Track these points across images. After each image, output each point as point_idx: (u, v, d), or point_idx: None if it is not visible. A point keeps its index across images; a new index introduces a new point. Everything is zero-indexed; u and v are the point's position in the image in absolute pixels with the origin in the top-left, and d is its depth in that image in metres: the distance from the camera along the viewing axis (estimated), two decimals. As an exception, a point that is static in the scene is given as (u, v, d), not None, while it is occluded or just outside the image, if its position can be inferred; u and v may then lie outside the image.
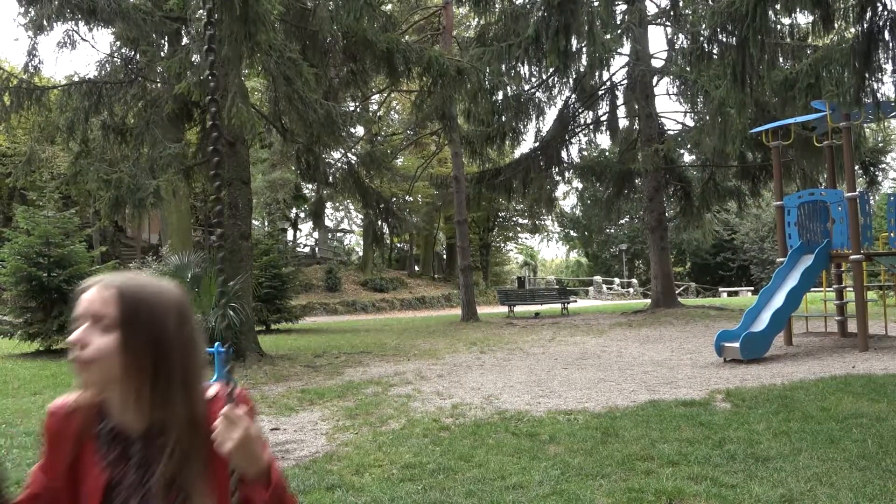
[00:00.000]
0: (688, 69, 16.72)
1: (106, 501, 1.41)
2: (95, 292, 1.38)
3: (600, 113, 23.01)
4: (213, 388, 1.46)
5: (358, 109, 17.92)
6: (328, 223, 41.85)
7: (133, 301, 1.37)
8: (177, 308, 1.42)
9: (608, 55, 17.97)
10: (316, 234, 42.37)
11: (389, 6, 20.66)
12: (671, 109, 60.73)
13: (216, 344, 2.55)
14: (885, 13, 8.30)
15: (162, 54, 11.91)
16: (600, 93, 22.52)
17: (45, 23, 11.15)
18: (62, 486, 1.46)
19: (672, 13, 19.65)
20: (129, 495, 1.40)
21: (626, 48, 20.66)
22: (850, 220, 10.09)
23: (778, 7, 9.32)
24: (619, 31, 18.52)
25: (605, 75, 21.84)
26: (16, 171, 13.62)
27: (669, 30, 20.68)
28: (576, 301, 26.74)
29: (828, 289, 13.32)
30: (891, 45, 8.41)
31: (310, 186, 31.23)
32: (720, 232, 43.65)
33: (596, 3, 15.63)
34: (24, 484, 1.51)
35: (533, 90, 21.41)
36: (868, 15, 8.35)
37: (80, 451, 1.44)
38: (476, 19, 25.22)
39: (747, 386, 7.22)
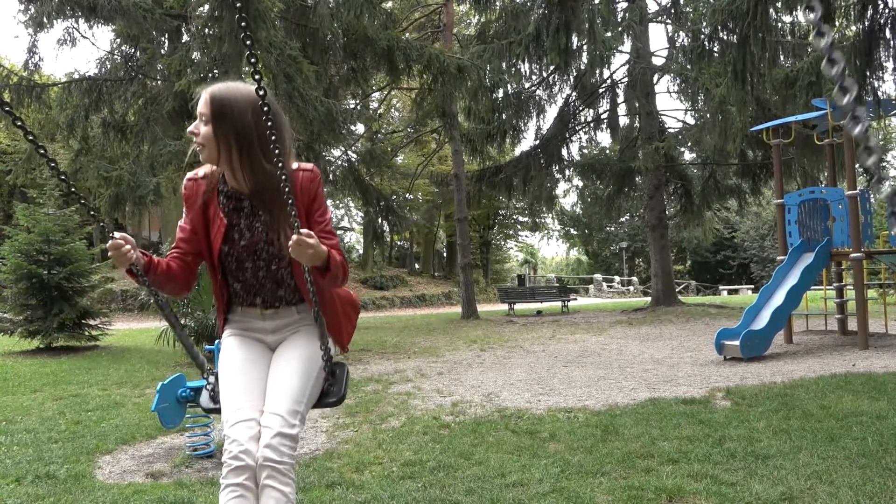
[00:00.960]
0: (688, 67, 16.73)
1: (228, 236, 2.11)
2: (203, 96, 2.03)
3: (601, 111, 23.00)
4: (295, 164, 2.15)
5: (358, 107, 17.89)
6: (328, 221, 41.75)
7: (218, 101, 2.00)
8: (252, 104, 1.99)
9: (609, 53, 17.95)
10: (316, 232, 42.34)
11: (390, 3, 20.63)
12: (672, 107, 60.82)
13: (216, 342, 2.62)
14: (887, 11, 8.30)
15: (162, 52, 11.90)
16: (601, 91, 22.50)
17: (45, 20, 11.16)
18: (199, 228, 2.15)
19: (673, 11, 19.64)
20: (241, 233, 2.11)
21: (627, 46, 20.65)
22: (851, 219, 10.08)
23: (779, 5, 9.32)
24: (619, 29, 18.51)
25: (606, 73, 21.85)
26: (16, 169, 13.65)
27: (670, 27, 20.67)
28: (576, 299, 26.76)
29: (828, 287, 13.32)
30: (892, 42, 8.41)
31: (310, 184, 31.12)
32: (720, 230, 43.66)
33: (596, 1, 15.63)
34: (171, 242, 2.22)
35: (533, 88, 21.40)
36: (869, 13, 8.36)
37: (209, 204, 2.13)
38: (477, 17, 25.20)
39: (747, 384, 7.23)
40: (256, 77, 1.75)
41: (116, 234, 1.96)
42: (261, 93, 1.78)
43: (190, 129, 2.02)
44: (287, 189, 1.79)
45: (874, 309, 13.52)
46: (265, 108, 1.83)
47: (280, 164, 1.81)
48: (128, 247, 1.97)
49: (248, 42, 1.74)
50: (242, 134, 1.98)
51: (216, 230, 2.11)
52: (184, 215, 2.18)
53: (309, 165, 2.12)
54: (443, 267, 42.90)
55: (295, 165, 2.11)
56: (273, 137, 1.79)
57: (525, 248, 59.71)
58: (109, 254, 1.98)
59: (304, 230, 1.80)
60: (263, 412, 2.07)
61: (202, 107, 2.00)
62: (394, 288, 33.10)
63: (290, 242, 1.80)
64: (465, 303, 20.61)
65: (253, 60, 1.75)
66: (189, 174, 2.17)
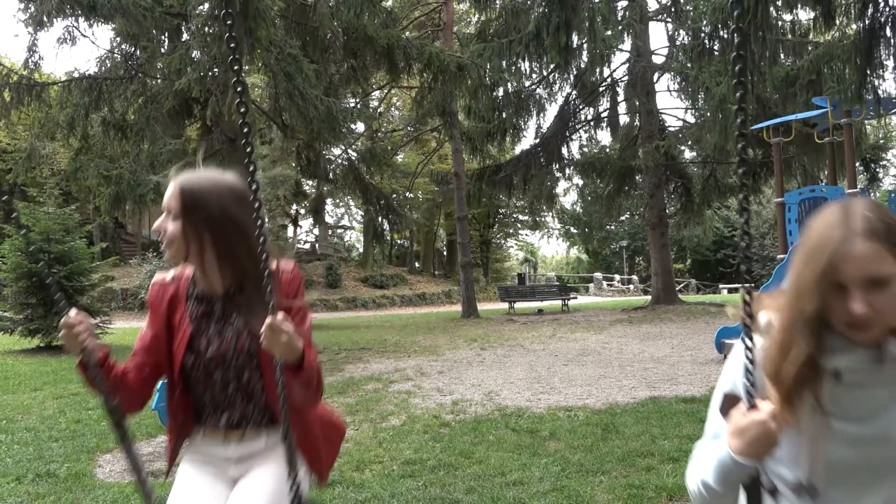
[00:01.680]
0: (689, 65, 16.70)
1: (193, 345, 1.84)
2: (171, 188, 1.79)
3: (601, 109, 22.98)
4: (275, 262, 1.80)
5: (358, 106, 17.91)
6: (328, 219, 41.82)
7: (189, 193, 1.76)
8: (229, 194, 1.79)
9: (609, 51, 17.94)
10: (316, 231, 42.34)
11: (390, 2, 20.64)
12: (672, 106, 60.80)
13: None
14: (887, 10, 8.29)
15: (162, 50, 11.89)
16: (601, 89, 22.48)
17: (45, 19, 11.16)
18: (161, 336, 1.88)
19: (673, 9, 19.61)
20: (210, 340, 1.84)
21: (627, 44, 20.62)
22: (851, 217, 10.07)
23: (779, 3, 9.32)
24: (619, 28, 18.48)
25: (606, 72, 21.84)
26: (16, 168, 13.64)
27: (670, 26, 20.64)
28: (576, 298, 26.75)
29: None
30: (892, 41, 8.41)
31: (310, 183, 31.17)
32: (721, 229, 43.66)
33: (597, 0, 15.60)
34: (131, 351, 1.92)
35: (533, 86, 21.39)
36: (869, 11, 8.35)
37: (174, 310, 1.87)
38: (477, 15, 25.18)
39: (747, 382, 7.22)
40: (242, 116, 1.52)
41: (73, 312, 1.72)
42: (250, 179, 1.58)
43: (155, 225, 1.79)
44: (269, 289, 1.55)
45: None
46: (245, 198, 1.69)
47: (264, 263, 1.58)
48: (83, 327, 1.73)
49: (235, 67, 1.55)
50: (219, 229, 1.75)
51: (180, 339, 1.84)
52: (146, 323, 1.92)
53: (289, 265, 1.86)
54: (443, 265, 42.90)
55: (273, 264, 1.81)
56: (257, 233, 1.57)
57: (525, 247, 59.70)
58: (60, 334, 1.74)
59: (279, 315, 1.54)
60: None
61: (169, 200, 1.76)
62: (394, 286, 33.09)
63: (263, 328, 1.53)
64: (466, 301, 20.61)
65: (239, 101, 1.53)
66: (156, 277, 1.94)
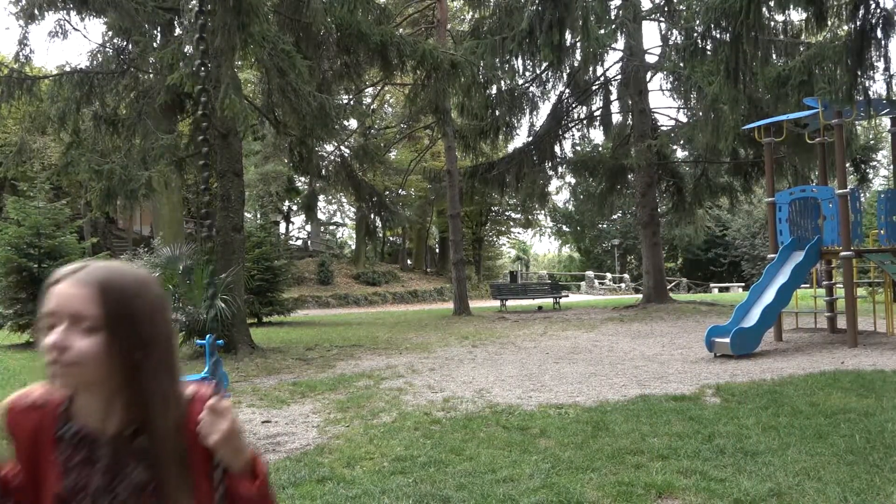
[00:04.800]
0: (681, 65, 16.76)
1: None
2: (72, 288, 1.27)
3: (594, 108, 23.02)
4: (191, 388, 1.36)
5: (351, 102, 17.87)
6: (321, 216, 41.74)
7: (117, 300, 1.28)
8: (160, 303, 1.35)
9: (602, 50, 17.99)
10: (308, 227, 42.31)
11: (384, -1, 20.55)
12: (664, 105, 61.02)
13: (207, 336, 2.53)
14: (878, 11, 8.33)
15: (154, 45, 11.83)
16: (594, 88, 22.52)
17: (36, 11, 11.08)
18: (27, 484, 1.36)
19: (666, 9, 19.65)
20: (94, 501, 1.31)
21: (620, 43, 20.67)
22: (841, 217, 10.14)
23: (772, 4, 9.34)
24: (613, 27, 18.50)
25: (599, 70, 21.89)
26: (6, 162, 13.54)
27: (663, 25, 20.68)
28: (568, 296, 26.80)
29: (818, 286, 13.40)
30: (883, 42, 8.45)
31: (302, 179, 31.11)
32: (712, 228, 43.82)
33: (590, -2, 15.62)
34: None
35: (527, 84, 21.40)
36: (861, 13, 8.39)
37: (39, 454, 1.34)
38: (470, 13, 25.19)
39: (737, 381, 7.27)
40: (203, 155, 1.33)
41: None
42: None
43: (51, 340, 1.23)
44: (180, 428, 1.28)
45: (863, 307, 13.60)
46: (168, 305, 1.37)
47: (179, 392, 1.31)
48: None
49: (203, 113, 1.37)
50: (155, 347, 1.30)
51: (48, 492, 1.32)
52: (13, 454, 1.38)
53: (207, 391, 1.34)
54: (435, 263, 42.91)
55: (190, 391, 1.37)
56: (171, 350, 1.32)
57: (517, 245, 59.80)
58: None
59: (222, 402, 1.27)
60: None
61: (82, 303, 1.24)
62: (386, 284, 33.08)
63: (201, 415, 1.26)
64: (458, 299, 20.63)
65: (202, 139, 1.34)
66: (15, 395, 1.41)
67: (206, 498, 1.30)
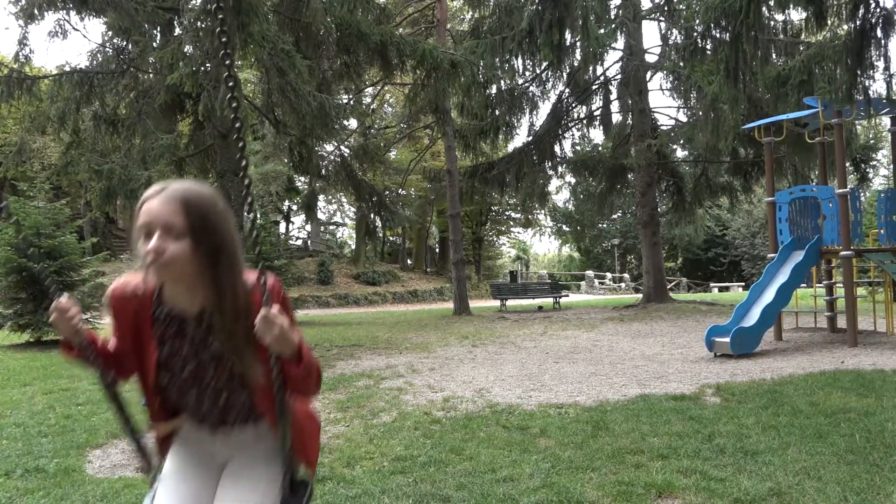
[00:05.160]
0: (681, 65, 16.75)
1: (165, 369, 1.76)
2: (162, 204, 1.61)
3: (594, 108, 23.01)
4: (251, 278, 1.69)
5: (351, 102, 17.87)
6: (321, 216, 41.75)
7: (196, 211, 1.62)
8: (225, 211, 1.69)
9: (602, 50, 17.97)
10: (308, 227, 42.31)
11: (383, -2, 20.54)
12: (664, 105, 61.09)
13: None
14: (878, 10, 8.33)
15: (154, 45, 11.83)
16: (594, 87, 22.51)
17: (35, 11, 11.09)
18: (130, 351, 1.78)
19: (666, 8, 19.64)
20: (185, 363, 1.75)
21: (620, 43, 20.66)
22: (841, 217, 10.13)
23: (771, 3, 9.35)
24: (612, 26, 18.50)
25: (599, 70, 21.88)
26: (6, 162, 13.56)
27: (663, 25, 20.67)
28: (567, 295, 26.80)
29: (818, 285, 13.40)
30: (883, 42, 8.45)
31: (302, 179, 31.12)
32: (712, 227, 43.85)
33: (590, -2, 15.62)
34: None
35: (526, 84, 21.39)
36: (861, 12, 8.39)
37: (140, 329, 1.75)
38: (470, 12, 25.18)
39: (737, 381, 7.26)
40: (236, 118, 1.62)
41: (63, 297, 1.70)
42: (243, 175, 1.64)
43: (151, 246, 1.57)
44: (247, 308, 1.62)
45: (863, 307, 13.61)
46: (232, 215, 1.70)
47: (263, 280, 1.61)
48: (73, 311, 1.71)
49: (227, 62, 1.60)
50: (226, 251, 1.65)
51: (150, 357, 1.76)
52: (112, 329, 1.82)
53: (271, 279, 1.66)
54: (435, 263, 42.91)
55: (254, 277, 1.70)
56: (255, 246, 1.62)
57: (517, 245, 59.81)
58: (52, 318, 1.71)
59: (273, 308, 1.56)
60: None
61: (171, 216, 1.58)
62: (386, 283, 33.08)
63: (258, 319, 1.53)
64: (457, 298, 20.63)
65: (231, 96, 1.65)
66: (116, 283, 1.78)
67: (268, 365, 1.66)
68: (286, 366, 1.64)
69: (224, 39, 1.63)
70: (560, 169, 23.73)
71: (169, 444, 1.96)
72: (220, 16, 1.65)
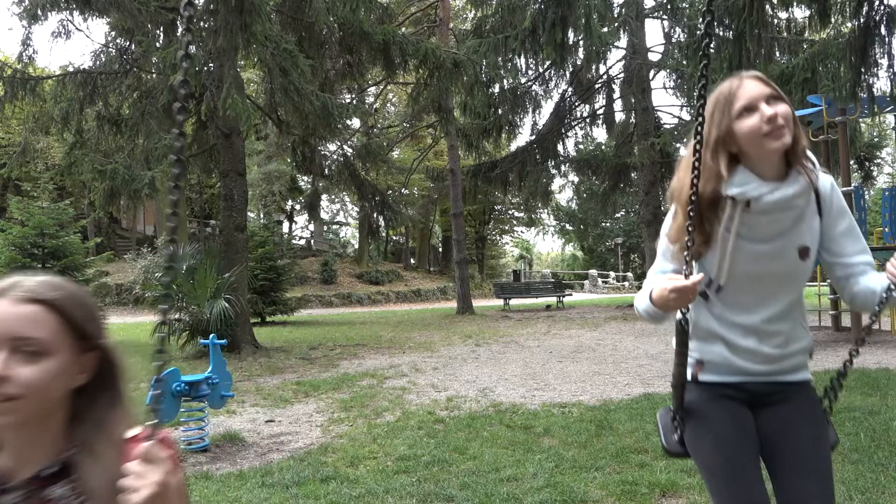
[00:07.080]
0: (684, 63, 16.70)
1: None
2: (8, 308, 1.05)
3: (597, 106, 22.96)
4: (133, 430, 1.14)
5: (354, 101, 17.85)
6: (324, 215, 41.77)
7: (70, 316, 1.08)
8: (102, 321, 1.15)
9: (605, 48, 17.93)
10: (311, 227, 42.29)
11: (386, -2, 20.53)
12: (668, 103, 60.96)
13: (211, 336, 2.53)
14: (882, 8, 8.31)
15: (157, 45, 11.84)
16: (597, 86, 22.47)
17: (39, 12, 11.10)
18: None
19: (669, 7, 19.60)
20: None
21: (623, 41, 20.63)
22: (845, 215, 10.10)
23: (775, 1, 9.33)
24: (615, 25, 18.48)
25: (602, 69, 21.81)
26: (10, 162, 13.56)
27: (666, 23, 20.64)
28: (571, 295, 26.78)
29: (822, 283, 13.36)
30: (887, 39, 8.43)
31: (305, 178, 31.16)
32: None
33: (593, -4, 15.59)
34: None
35: (529, 83, 21.37)
36: (865, 10, 8.36)
37: None
38: (473, 11, 25.14)
39: (741, 379, 7.24)
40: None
41: None
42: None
43: None
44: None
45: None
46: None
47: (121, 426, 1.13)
48: None
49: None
50: (107, 373, 1.16)
51: None
52: None
53: (159, 434, 1.08)
54: (438, 262, 42.88)
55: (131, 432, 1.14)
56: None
57: (520, 244, 59.71)
58: None
59: (146, 444, 1.03)
60: None
61: (20, 327, 1.04)
62: (389, 283, 33.07)
63: (130, 464, 1.02)
64: (461, 298, 20.63)
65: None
66: None
67: None
68: None
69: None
70: (563, 168, 23.70)
71: None
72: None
